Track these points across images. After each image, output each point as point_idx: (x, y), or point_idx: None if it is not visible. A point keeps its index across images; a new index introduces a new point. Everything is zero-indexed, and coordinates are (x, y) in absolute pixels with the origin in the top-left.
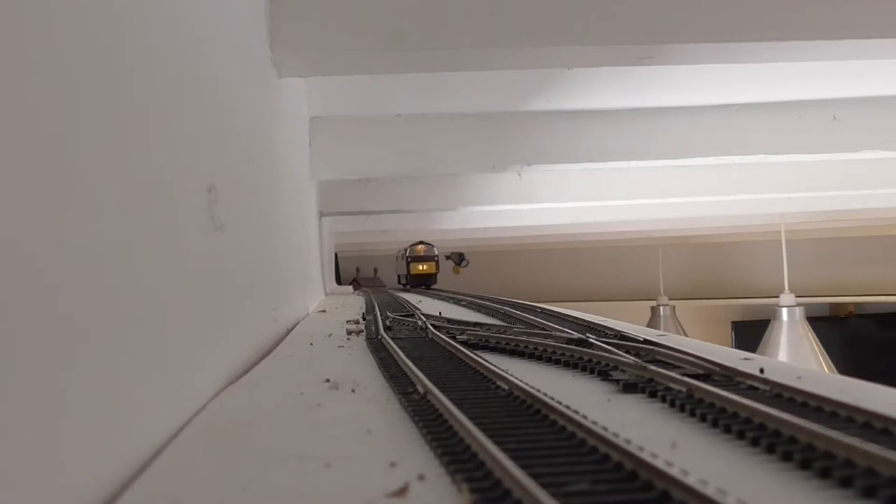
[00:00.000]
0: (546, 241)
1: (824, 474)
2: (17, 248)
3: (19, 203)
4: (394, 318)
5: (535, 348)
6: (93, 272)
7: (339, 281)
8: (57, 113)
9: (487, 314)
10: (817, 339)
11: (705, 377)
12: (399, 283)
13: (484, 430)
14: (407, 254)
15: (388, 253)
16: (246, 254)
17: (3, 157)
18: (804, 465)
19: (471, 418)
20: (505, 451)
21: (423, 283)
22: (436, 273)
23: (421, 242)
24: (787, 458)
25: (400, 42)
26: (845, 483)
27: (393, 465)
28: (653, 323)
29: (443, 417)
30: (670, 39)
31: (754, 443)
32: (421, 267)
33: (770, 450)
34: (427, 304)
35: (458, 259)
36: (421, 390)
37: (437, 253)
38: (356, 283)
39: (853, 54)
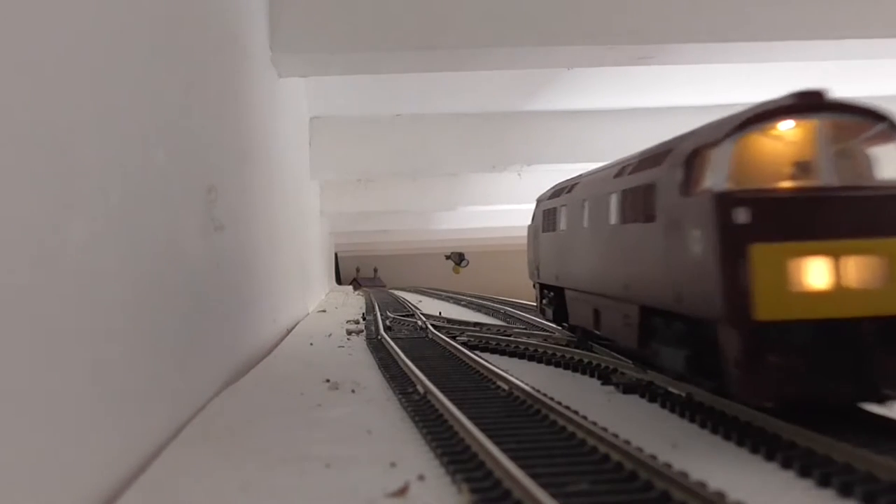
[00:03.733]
0: None
1: (824, 479)
2: (18, 249)
3: (20, 205)
4: (394, 318)
5: (536, 350)
6: (92, 273)
7: (339, 281)
8: (58, 114)
9: (487, 314)
10: None
11: None
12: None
13: (484, 431)
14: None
15: (389, 253)
16: (246, 254)
17: (4, 159)
18: (804, 471)
19: (471, 418)
20: (505, 451)
21: None
22: None
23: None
24: (786, 464)
25: (400, 42)
26: (845, 489)
27: (393, 465)
28: None
29: (443, 417)
30: (670, 39)
31: (755, 449)
32: None
33: (770, 455)
34: (427, 304)
35: (458, 259)
36: (421, 390)
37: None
38: (356, 283)
39: (853, 54)
